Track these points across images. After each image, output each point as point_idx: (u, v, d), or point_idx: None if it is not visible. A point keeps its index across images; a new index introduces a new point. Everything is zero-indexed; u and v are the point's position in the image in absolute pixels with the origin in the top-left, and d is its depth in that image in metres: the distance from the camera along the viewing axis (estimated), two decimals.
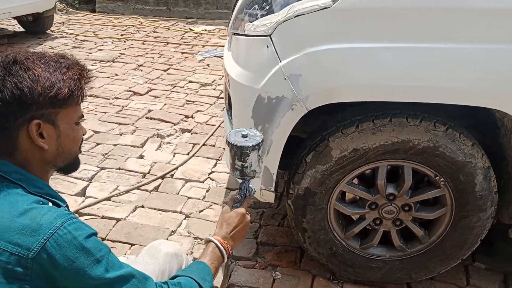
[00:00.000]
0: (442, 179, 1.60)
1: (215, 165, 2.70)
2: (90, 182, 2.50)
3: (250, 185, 1.32)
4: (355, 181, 1.73)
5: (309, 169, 1.65)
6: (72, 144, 1.01)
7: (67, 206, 1.00)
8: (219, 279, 1.81)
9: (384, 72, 1.46)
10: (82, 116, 1.04)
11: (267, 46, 1.53)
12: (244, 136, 1.24)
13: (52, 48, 4.94)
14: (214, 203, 2.36)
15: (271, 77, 1.52)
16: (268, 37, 1.53)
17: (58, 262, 0.86)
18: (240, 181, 1.31)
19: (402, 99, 1.52)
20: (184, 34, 5.75)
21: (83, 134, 1.05)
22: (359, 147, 1.57)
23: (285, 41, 1.50)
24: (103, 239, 2.07)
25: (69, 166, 1.04)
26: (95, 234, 0.93)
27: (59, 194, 2.22)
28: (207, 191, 2.47)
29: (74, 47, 5.03)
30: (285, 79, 1.50)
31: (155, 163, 2.71)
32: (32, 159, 0.95)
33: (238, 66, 1.71)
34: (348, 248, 1.79)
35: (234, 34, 1.78)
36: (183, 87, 3.90)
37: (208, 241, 1.20)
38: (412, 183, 1.64)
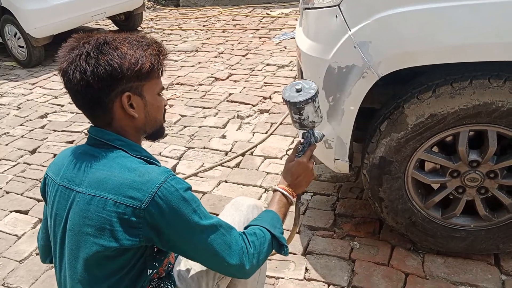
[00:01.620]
0: None
1: (292, 142, 2.77)
2: (179, 160, 2.72)
3: (315, 133, 1.35)
4: (435, 148, 1.69)
5: (384, 138, 1.64)
6: (157, 112, 1.14)
7: (170, 170, 1.14)
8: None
9: (462, 31, 1.39)
10: (163, 88, 1.17)
11: (336, 16, 1.54)
12: (298, 91, 1.27)
13: None
14: None
15: (341, 47, 1.54)
16: (337, 6, 1.54)
17: (165, 211, 0.99)
18: (303, 131, 1.35)
19: (484, 58, 1.43)
20: (261, 19, 5.85)
21: (165, 105, 1.19)
22: (436, 112, 1.53)
23: (354, 8, 1.51)
24: None
25: (156, 132, 1.18)
26: (190, 188, 1.06)
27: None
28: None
29: (162, 40, 5.37)
30: (354, 47, 1.50)
31: (236, 142, 2.85)
32: (127, 127, 1.10)
33: (308, 39, 1.74)
34: (428, 218, 1.75)
35: (305, 9, 1.82)
36: (261, 70, 4.01)
37: (274, 191, 1.30)
38: (497, 148, 1.56)
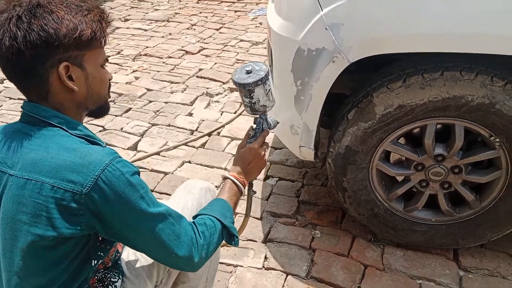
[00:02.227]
0: (497, 139, 1.46)
1: None
2: (142, 137, 2.60)
3: (269, 118, 1.31)
4: (401, 140, 1.64)
5: (351, 127, 1.58)
6: (100, 86, 1.03)
7: (116, 152, 1.03)
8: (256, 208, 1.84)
9: (437, 19, 1.33)
10: (107, 59, 1.05)
11: None
12: (248, 72, 1.21)
13: (111, 8, 5.07)
14: None
15: (312, 28, 1.45)
16: None
17: (109, 197, 0.90)
18: (256, 117, 1.31)
19: (457, 50, 1.37)
20: None
21: (110, 79, 1.07)
22: (405, 103, 1.47)
23: None
24: (152, 191, 2.16)
25: (100, 109, 1.06)
26: (138, 172, 0.97)
27: (113, 146, 2.33)
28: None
29: (132, 7, 5.13)
30: (326, 29, 1.41)
31: (203, 120, 2.75)
32: (66, 102, 0.98)
33: (280, 17, 1.64)
34: (390, 210, 1.72)
35: None
36: (234, 46, 3.87)
37: (225, 178, 1.23)
38: (463, 144, 1.52)
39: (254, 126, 1.31)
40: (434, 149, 1.56)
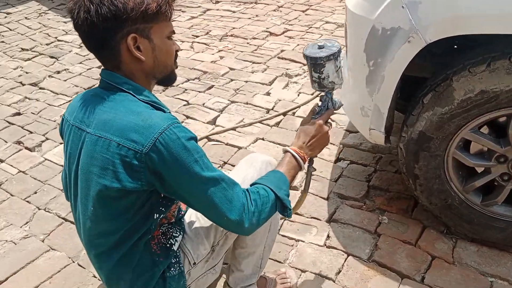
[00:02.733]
0: None
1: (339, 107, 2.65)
2: (221, 113, 2.72)
3: (335, 98, 1.30)
4: (484, 129, 1.53)
5: (426, 111, 1.51)
6: (166, 57, 1.11)
7: (169, 112, 1.12)
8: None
9: None
10: (173, 32, 1.13)
11: None
12: (320, 47, 1.21)
13: None
14: (331, 143, 2.35)
15: (387, 6, 1.40)
16: None
17: (166, 158, 0.99)
18: (322, 93, 1.30)
19: None
20: None
21: (177, 50, 1.15)
22: (488, 88, 1.37)
23: None
24: (224, 163, 2.28)
25: (167, 78, 1.16)
26: (195, 138, 1.05)
27: (194, 120, 2.48)
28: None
29: None
30: (402, 7, 1.36)
31: (280, 100, 2.79)
32: (135, 71, 1.09)
33: None
34: (466, 203, 1.62)
35: None
36: (319, 28, 3.83)
37: (285, 152, 1.25)
38: None
39: (320, 103, 1.31)
40: None
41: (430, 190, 1.65)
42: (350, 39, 1.65)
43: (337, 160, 2.24)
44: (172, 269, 1.22)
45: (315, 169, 1.38)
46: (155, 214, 1.13)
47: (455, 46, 1.58)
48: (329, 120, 1.33)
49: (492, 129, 1.54)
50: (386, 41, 1.43)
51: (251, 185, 1.16)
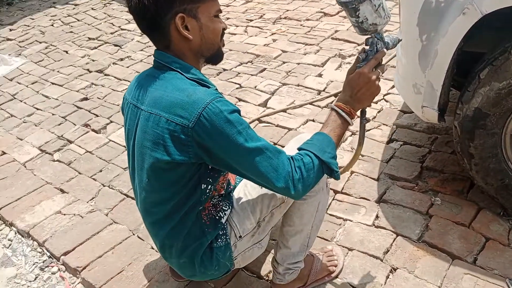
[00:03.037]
0: None
1: (392, 86, 2.59)
2: (272, 95, 2.76)
3: (386, 37, 1.17)
4: None
5: (482, 87, 1.44)
6: (213, 35, 1.16)
7: (216, 89, 1.17)
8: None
9: None
10: (220, 10, 1.17)
11: None
12: None
13: None
14: (384, 124, 2.31)
15: None
16: None
17: (210, 131, 1.05)
18: (368, 37, 1.18)
19: None
20: None
21: (224, 28, 1.19)
22: None
23: None
24: (275, 143, 2.32)
25: (215, 56, 1.21)
26: (238, 111, 1.09)
27: (246, 103, 2.52)
28: (379, 111, 2.42)
29: None
30: None
31: (332, 81, 2.77)
32: (184, 50, 1.15)
33: None
34: None
35: None
36: None
37: (331, 109, 1.21)
38: None
39: (367, 47, 1.19)
40: None
41: (486, 170, 1.58)
42: (403, 14, 1.60)
43: (390, 141, 2.20)
44: (219, 240, 1.29)
45: (368, 120, 1.26)
46: (203, 185, 1.19)
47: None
48: (382, 65, 1.21)
49: None
50: (440, 14, 1.38)
51: (298, 150, 1.17)
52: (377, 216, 1.79)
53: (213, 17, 1.15)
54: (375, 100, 2.34)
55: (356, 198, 1.88)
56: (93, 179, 2.30)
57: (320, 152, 1.13)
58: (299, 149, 1.17)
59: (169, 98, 1.09)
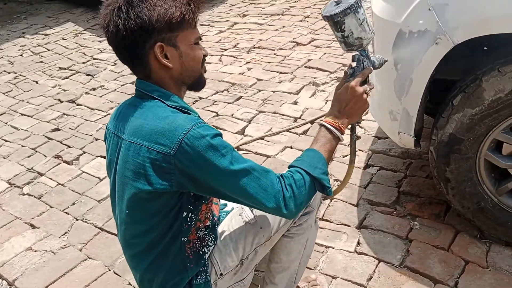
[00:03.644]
0: None
1: (366, 113, 2.64)
2: (249, 123, 2.77)
3: (372, 57, 1.18)
4: None
5: (456, 113, 1.50)
6: (194, 62, 1.15)
7: (198, 116, 1.16)
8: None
9: None
10: (200, 38, 1.16)
11: None
12: (337, 4, 1.12)
13: (232, 5, 5.37)
14: (360, 150, 2.34)
15: (414, 9, 1.41)
16: None
17: (192, 157, 1.02)
18: (354, 54, 1.20)
19: None
20: None
21: (205, 55, 1.19)
22: None
23: None
24: None
25: (196, 83, 1.19)
26: (220, 134, 1.07)
27: (223, 131, 2.51)
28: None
29: (250, 3, 5.36)
30: (429, 9, 1.36)
31: (307, 109, 2.81)
32: (164, 79, 1.14)
33: (382, 0, 1.62)
34: (500, 205, 1.58)
35: None
36: None
37: (320, 126, 1.19)
38: None
39: (353, 64, 1.20)
40: None
41: (462, 194, 1.62)
42: (377, 43, 1.66)
43: (366, 166, 2.23)
44: (199, 277, 1.23)
45: (359, 137, 1.23)
46: (184, 213, 1.15)
47: (485, 47, 1.56)
48: (369, 81, 1.22)
49: None
50: (414, 44, 1.43)
51: (288, 168, 1.15)
52: (358, 242, 1.79)
53: (193, 44, 1.14)
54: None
55: (337, 224, 1.89)
56: (66, 212, 2.22)
57: (311, 168, 1.10)
58: (290, 166, 1.15)
59: (150, 126, 1.07)
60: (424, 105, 1.60)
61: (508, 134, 1.47)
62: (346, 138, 1.26)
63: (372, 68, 1.21)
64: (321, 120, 1.20)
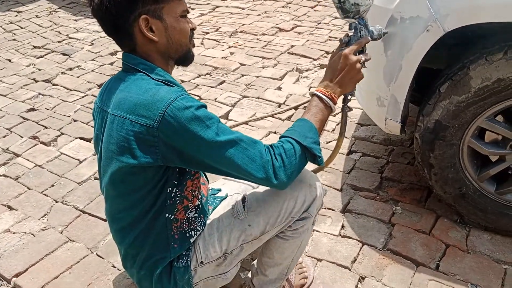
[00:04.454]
0: None
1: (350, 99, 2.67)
2: (233, 108, 2.75)
3: (371, 26, 1.16)
4: (499, 117, 1.55)
5: (443, 100, 1.53)
6: (180, 35, 1.12)
7: (183, 89, 1.12)
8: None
9: None
10: (187, 10, 1.13)
11: None
12: None
13: None
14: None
15: None
16: None
17: (177, 129, 0.99)
18: (352, 21, 1.18)
19: None
20: None
21: (193, 28, 1.15)
22: (505, 76, 1.39)
23: None
24: None
25: (183, 57, 1.16)
26: (204, 106, 1.05)
27: None
28: (338, 124, 2.49)
29: None
30: None
31: (291, 95, 2.82)
32: (150, 52, 1.10)
33: None
34: (480, 191, 1.64)
35: None
36: (328, 23, 3.85)
37: (312, 95, 1.18)
38: None
39: (350, 32, 1.18)
40: None
41: (444, 179, 1.67)
42: None
43: (350, 152, 2.27)
44: (180, 260, 1.22)
45: (350, 109, 1.24)
46: (168, 188, 1.13)
47: (470, 36, 1.59)
48: (366, 52, 1.21)
49: (507, 118, 1.56)
50: (405, 30, 1.45)
51: (279, 138, 1.14)
52: (342, 226, 1.82)
53: (179, 17, 1.10)
54: (333, 113, 2.42)
55: (322, 208, 1.91)
56: (45, 194, 2.16)
57: (301, 137, 1.09)
58: (281, 137, 1.13)
59: (133, 99, 1.04)
60: (410, 93, 1.62)
61: (491, 122, 1.51)
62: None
63: (369, 38, 1.19)
64: (313, 89, 1.19)
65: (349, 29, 1.19)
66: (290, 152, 1.08)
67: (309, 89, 2.86)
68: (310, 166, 1.33)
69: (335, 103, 1.17)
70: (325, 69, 1.18)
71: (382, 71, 1.59)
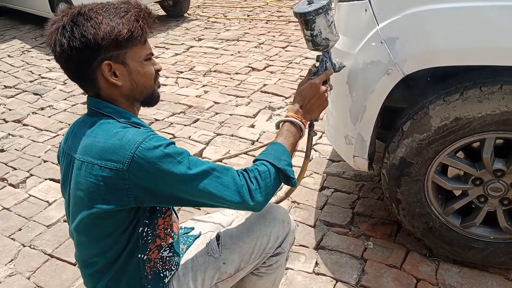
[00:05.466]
0: None
1: (321, 137, 2.75)
2: (207, 145, 2.78)
3: (334, 59, 1.26)
4: (460, 154, 1.63)
5: (406, 138, 1.60)
6: (145, 78, 1.12)
7: (151, 129, 1.13)
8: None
9: (494, 33, 1.33)
10: (152, 54, 1.14)
11: (365, 10, 1.52)
12: (309, 3, 1.18)
13: (187, 29, 5.43)
14: (315, 172, 2.42)
15: (367, 41, 1.51)
16: (367, 0, 1.51)
17: (147, 169, 1.00)
18: (319, 54, 1.27)
19: None
20: None
21: (158, 70, 1.16)
22: (462, 116, 1.47)
23: (384, 3, 1.47)
24: None
25: (149, 98, 1.17)
26: (173, 143, 1.06)
27: None
28: (310, 161, 2.54)
29: (206, 28, 5.47)
30: (381, 42, 1.47)
31: (264, 132, 2.87)
32: (114, 96, 1.11)
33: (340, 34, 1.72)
34: (446, 225, 1.69)
35: (339, 1, 1.79)
36: (299, 63, 3.99)
37: (283, 122, 1.23)
38: None
39: (317, 63, 1.27)
40: (493, 164, 1.53)
41: (412, 214, 1.72)
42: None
43: (322, 188, 2.31)
44: None
45: (315, 133, 1.32)
46: (140, 228, 1.12)
47: (429, 78, 1.70)
48: (329, 82, 1.29)
49: (467, 154, 1.64)
50: (367, 74, 1.53)
51: (253, 161, 1.16)
52: (316, 263, 1.83)
53: (143, 61, 1.11)
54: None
55: (295, 246, 1.92)
56: (12, 238, 2.09)
57: (276, 160, 1.13)
58: (255, 160, 1.16)
59: (100, 144, 1.04)
60: (376, 131, 1.70)
61: (453, 158, 1.59)
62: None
63: (333, 70, 1.29)
64: (284, 117, 1.24)
65: (316, 60, 1.29)
66: (265, 174, 1.10)
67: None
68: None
69: (305, 127, 1.24)
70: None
71: (348, 111, 1.66)
